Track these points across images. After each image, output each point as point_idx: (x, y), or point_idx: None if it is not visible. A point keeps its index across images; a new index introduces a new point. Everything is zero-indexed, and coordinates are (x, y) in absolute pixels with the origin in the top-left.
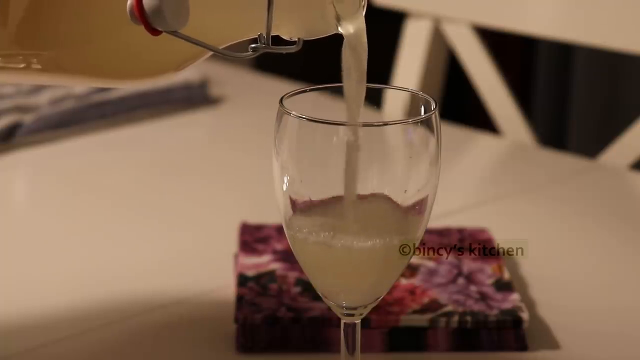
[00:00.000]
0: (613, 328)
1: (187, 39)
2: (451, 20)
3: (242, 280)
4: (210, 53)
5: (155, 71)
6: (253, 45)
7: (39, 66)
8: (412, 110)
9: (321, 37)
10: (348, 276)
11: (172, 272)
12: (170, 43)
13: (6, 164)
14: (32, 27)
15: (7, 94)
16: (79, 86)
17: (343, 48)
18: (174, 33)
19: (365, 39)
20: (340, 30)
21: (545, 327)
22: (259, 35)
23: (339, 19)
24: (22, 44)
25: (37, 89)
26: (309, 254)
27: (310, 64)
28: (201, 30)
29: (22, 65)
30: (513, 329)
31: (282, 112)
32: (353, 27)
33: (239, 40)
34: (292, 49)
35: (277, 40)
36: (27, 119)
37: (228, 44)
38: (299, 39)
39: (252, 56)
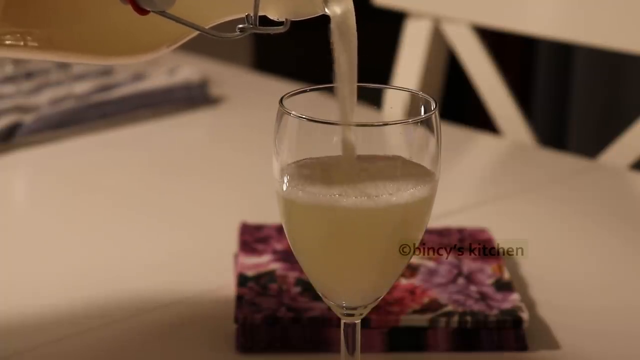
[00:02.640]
0: (613, 328)
1: (175, 19)
2: (451, 20)
3: (242, 280)
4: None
5: (146, 48)
6: (240, 26)
7: (34, 43)
8: (412, 110)
9: (308, 18)
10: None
11: (172, 272)
12: (160, 21)
13: (6, 164)
14: (22, 4)
15: (7, 94)
16: (72, 61)
17: (331, 33)
18: (162, 13)
19: (353, 22)
20: (327, 11)
21: (545, 327)
22: (246, 16)
23: (325, 0)
24: (13, 22)
25: (37, 88)
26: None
27: (310, 63)
28: (189, 10)
29: (19, 43)
30: (513, 329)
31: (282, 112)
32: (340, 9)
33: (226, 20)
34: (280, 29)
35: (265, 21)
36: (27, 119)
37: (215, 24)
38: (286, 19)
39: (239, 36)
